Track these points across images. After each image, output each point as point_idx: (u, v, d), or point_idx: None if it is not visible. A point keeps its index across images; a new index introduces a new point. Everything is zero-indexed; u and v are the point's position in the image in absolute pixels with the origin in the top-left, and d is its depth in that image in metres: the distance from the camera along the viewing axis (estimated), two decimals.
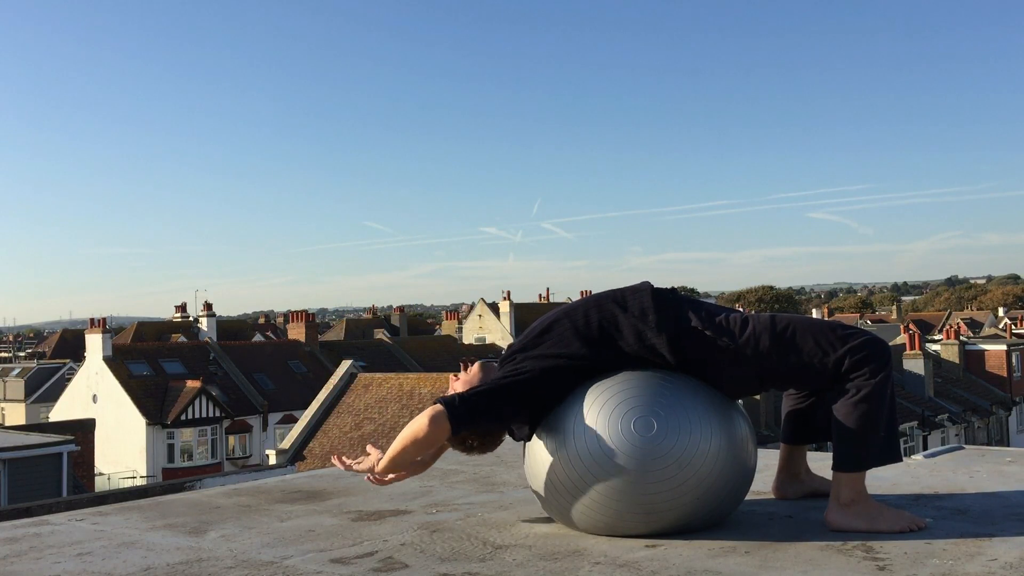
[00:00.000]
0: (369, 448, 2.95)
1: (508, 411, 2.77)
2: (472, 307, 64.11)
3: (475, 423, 2.75)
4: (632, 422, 2.62)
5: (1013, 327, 61.88)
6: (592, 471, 2.63)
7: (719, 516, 2.78)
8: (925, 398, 39.22)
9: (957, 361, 45.18)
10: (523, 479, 2.94)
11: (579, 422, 2.68)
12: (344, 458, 2.96)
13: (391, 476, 2.88)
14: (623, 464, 2.60)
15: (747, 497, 3.01)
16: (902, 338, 44.01)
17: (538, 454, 2.78)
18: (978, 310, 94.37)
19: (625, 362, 2.78)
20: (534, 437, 2.81)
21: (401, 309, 71.74)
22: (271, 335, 65.71)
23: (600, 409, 2.66)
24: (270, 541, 2.85)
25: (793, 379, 2.89)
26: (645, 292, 2.84)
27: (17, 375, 58.80)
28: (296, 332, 48.72)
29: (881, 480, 3.32)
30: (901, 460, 2.94)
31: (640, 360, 2.78)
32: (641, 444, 2.60)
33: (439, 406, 2.70)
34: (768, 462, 3.63)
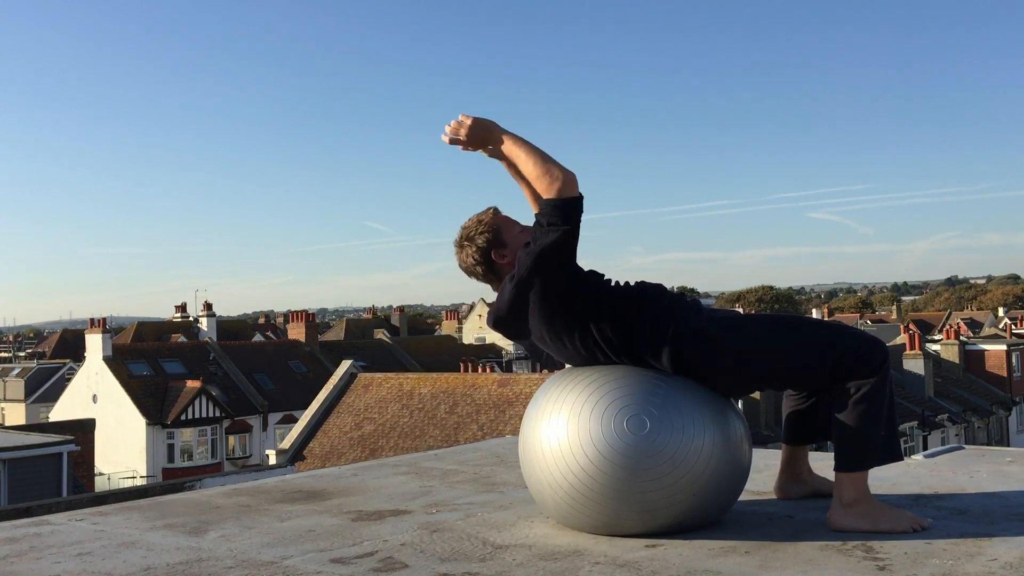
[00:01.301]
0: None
1: (572, 265, 2.74)
2: (472, 307, 64.15)
3: (575, 224, 2.69)
4: (625, 420, 2.62)
5: (1013, 327, 61.83)
6: (587, 470, 2.63)
7: (716, 514, 2.78)
8: (925, 398, 39.19)
9: (957, 361, 45.13)
10: (523, 479, 2.94)
11: (572, 421, 2.68)
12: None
13: (467, 131, 2.86)
14: (617, 463, 2.60)
15: (747, 497, 3.02)
16: (902, 338, 43.97)
17: (533, 454, 2.78)
18: (978, 310, 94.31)
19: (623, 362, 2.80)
20: (528, 438, 2.81)
21: (401, 309, 71.67)
22: (271, 335, 65.68)
23: (593, 408, 2.67)
24: (270, 541, 2.85)
25: (792, 379, 2.89)
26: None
27: (17, 375, 58.74)
28: (296, 332, 48.70)
29: (881, 480, 3.32)
30: (902, 459, 2.94)
31: (639, 362, 2.79)
32: (634, 442, 2.60)
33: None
34: (769, 462, 3.63)
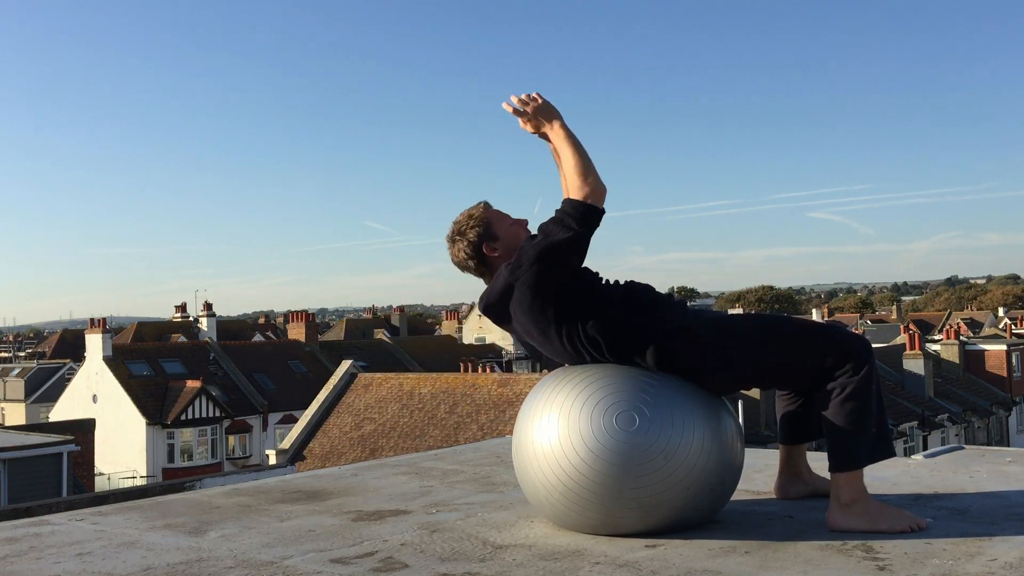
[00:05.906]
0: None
1: (572, 267, 2.78)
2: (472, 307, 64.08)
3: (587, 231, 2.73)
4: (615, 417, 2.63)
5: (1013, 327, 61.82)
6: (579, 469, 2.64)
7: (712, 510, 2.79)
8: (925, 398, 39.14)
9: (957, 361, 45.08)
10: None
11: (563, 419, 2.69)
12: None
13: (533, 108, 2.88)
14: (609, 460, 2.61)
15: (747, 497, 3.02)
16: (902, 338, 43.96)
17: (525, 454, 2.79)
18: (978, 310, 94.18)
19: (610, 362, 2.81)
20: (521, 440, 2.82)
21: (401, 309, 71.70)
22: (271, 335, 65.65)
23: (583, 405, 2.68)
24: (270, 541, 2.85)
25: (777, 378, 2.90)
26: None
27: (17, 375, 58.70)
28: (296, 332, 48.69)
29: (881, 480, 3.32)
30: (895, 455, 2.93)
31: (625, 361, 2.80)
32: (625, 439, 2.61)
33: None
34: (769, 462, 3.63)
